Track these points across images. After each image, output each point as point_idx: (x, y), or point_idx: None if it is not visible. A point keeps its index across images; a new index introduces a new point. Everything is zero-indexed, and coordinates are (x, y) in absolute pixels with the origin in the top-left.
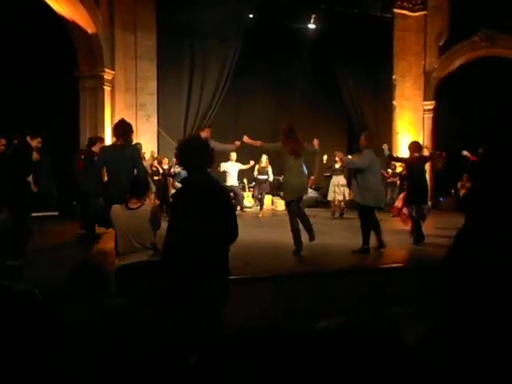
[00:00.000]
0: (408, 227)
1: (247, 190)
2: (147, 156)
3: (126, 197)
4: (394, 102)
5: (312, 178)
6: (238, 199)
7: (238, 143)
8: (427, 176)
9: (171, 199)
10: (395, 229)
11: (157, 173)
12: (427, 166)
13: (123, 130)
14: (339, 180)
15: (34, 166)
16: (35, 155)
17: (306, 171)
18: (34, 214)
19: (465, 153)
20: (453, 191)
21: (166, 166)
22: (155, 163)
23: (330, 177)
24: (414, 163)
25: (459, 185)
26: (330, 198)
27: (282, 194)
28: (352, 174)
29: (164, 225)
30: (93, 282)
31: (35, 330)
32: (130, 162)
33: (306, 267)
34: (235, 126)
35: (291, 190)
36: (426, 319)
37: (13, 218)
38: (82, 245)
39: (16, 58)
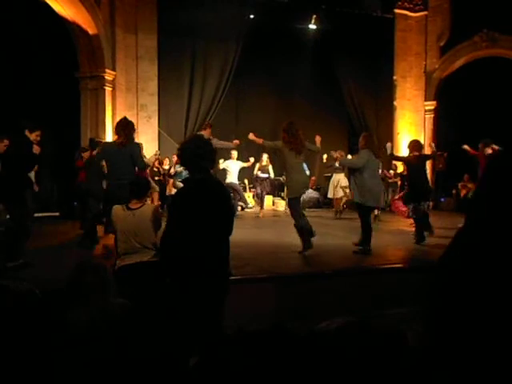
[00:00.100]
0: (402, 216)
1: (248, 190)
2: (148, 155)
3: (126, 194)
4: (395, 103)
5: (313, 178)
6: (240, 195)
7: (236, 142)
8: (428, 176)
9: (172, 198)
10: (396, 229)
11: (158, 173)
12: (428, 166)
13: (125, 127)
14: (339, 178)
15: (36, 159)
16: (36, 148)
17: (306, 169)
18: (34, 215)
19: (465, 147)
20: (453, 191)
21: (166, 167)
22: (156, 163)
23: (331, 176)
24: (414, 162)
25: (460, 185)
26: (330, 195)
27: (282, 193)
28: (351, 174)
29: (164, 225)
30: (93, 282)
31: (36, 330)
32: (130, 159)
33: (306, 267)
34: (236, 127)
35: (296, 186)
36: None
37: (12, 215)
38: (83, 245)
39: (17, 58)
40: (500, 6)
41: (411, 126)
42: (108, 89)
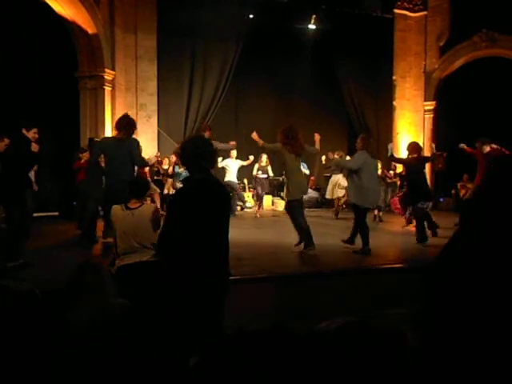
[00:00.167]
0: (397, 211)
1: (247, 190)
2: (147, 155)
3: (124, 190)
4: (395, 103)
5: (312, 178)
6: (237, 193)
7: (233, 143)
8: (427, 177)
9: (172, 198)
10: (397, 229)
11: (157, 173)
12: (427, 166)
13: (125, 123)
14: (338, 179)
15: (36, 158)
16: (34, 146)
17: (306, 169)
18: (34, 215)
19: (462, 145)
20: (453, 191)
21: (165, 167)
22: (156, 163)
23: (330, 176)
24: (413, 164)
25: (459, 185)
26: (328, 195)
27: (282, 193)
28: (349, 175)
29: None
30: (93, 282)
31: (35, 330)
32: (129, 155)
33: (306, 267)
34: (235, 127)
35: (297, 188)
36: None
37: (11, 215)
38: (82, 245)
39: (17, 58)
40: (500, 6)
41: (411, 126)
42: (107, 88)
